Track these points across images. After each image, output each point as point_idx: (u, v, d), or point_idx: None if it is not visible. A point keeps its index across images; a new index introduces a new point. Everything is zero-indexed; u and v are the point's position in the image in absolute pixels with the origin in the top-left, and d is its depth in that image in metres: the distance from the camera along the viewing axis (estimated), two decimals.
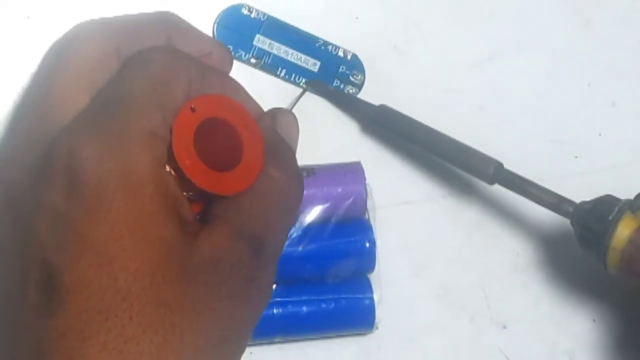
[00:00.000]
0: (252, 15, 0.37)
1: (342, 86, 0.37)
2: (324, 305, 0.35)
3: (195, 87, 0.30)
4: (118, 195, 0.27)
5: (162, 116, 0.28)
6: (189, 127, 0.29)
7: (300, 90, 0.37)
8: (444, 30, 0.39)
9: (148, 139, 0.28)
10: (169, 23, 0.32)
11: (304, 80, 0.37)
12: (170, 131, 0.28)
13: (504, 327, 0.38)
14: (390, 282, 0.36)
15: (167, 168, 0.28)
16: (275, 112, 0.33)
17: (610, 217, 0.33)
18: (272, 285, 0.31)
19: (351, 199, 0.35)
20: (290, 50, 0.37)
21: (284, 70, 0.37)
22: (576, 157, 0.39)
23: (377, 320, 0.35)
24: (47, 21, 0.35)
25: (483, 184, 0.37)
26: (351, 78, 0.37)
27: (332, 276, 0.35)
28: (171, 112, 0.29)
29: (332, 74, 0.37)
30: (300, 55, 0.37)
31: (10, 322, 0.27)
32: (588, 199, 0.35)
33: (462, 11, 0.39)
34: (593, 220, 0.34)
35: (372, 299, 0.35)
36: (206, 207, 0.30)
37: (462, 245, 0.38)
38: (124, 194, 0.27)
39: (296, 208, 0.32)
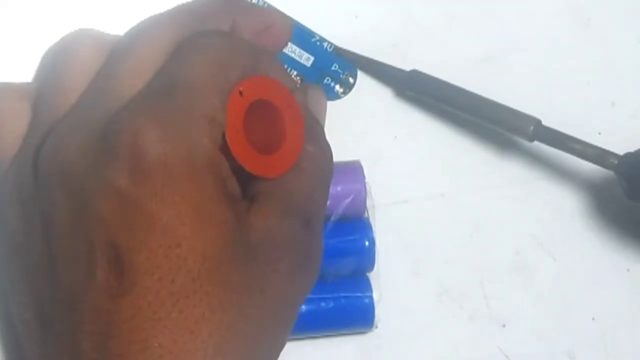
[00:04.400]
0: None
1: (332, 84, 0.37)
2: (323, 304, 0.35)
3: (248, 69, 0.30)
4: (184, 178, 0.27)
5: (220, 101, 0.29)
6: (239, 111, 0.29)
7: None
8: (444, 30, 0.39)
9: (208, 123, 0.28)
10: (233, 5, 0.32)
11: (295, 73, 0.37)
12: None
13: (504, 326, 0.37)
14: (389, 280, 0.36)
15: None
16: (306, 87, 0.34)
17: None
18: (321, 259, 0.31)
19: (350, 198, 0.35)
20: None
21: None
22: None
23: (376, 319, 0.35)
24: (47, 21, 0.35)
25: (482, 183, 0.37)
26: (342, 77, 0.37)
27: (331, 275, 0.35)
28: (227, 96, 0.29)
29: (324, 71, 0.37)
30: (294, 47, 0.36)
31: (70, 304, 0.27)
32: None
33: (461, 10, 0.39)
34: None
35: (371, 297, 0.35)
36: (244, 181, 0.30)
37: (462, 244, 0.38)
38: (189, 178, 0.27)
39: (329, 182, 0.32)
